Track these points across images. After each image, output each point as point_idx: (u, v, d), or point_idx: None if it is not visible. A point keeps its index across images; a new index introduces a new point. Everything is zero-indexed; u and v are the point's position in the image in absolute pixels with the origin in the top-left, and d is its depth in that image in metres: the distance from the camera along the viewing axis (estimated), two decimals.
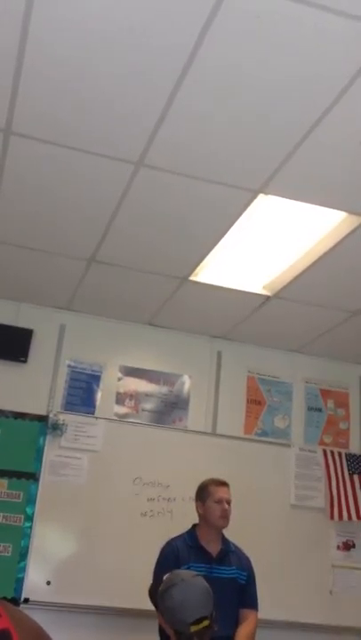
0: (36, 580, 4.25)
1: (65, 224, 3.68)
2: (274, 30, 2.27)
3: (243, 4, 2.17)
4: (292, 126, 2.74)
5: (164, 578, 2.58)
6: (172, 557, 3.42)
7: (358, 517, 4.91)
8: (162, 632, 3.09)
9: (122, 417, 4.80)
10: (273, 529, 4.75)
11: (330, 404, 5.28)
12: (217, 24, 2.26)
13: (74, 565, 4.35)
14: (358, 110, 2.60)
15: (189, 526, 3.66)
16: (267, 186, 3.15)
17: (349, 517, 4.90)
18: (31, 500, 4.39)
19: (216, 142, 2.88)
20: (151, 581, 3.38)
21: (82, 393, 4.77)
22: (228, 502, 3.58)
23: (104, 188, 3.30)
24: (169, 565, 3.16)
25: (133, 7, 2.23)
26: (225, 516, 3.55)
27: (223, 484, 3.63)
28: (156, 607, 2.86)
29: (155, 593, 2.83)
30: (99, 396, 4.81)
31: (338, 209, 3.33)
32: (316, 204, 3.28)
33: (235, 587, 3.46)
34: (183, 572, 2.66)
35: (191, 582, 2.49)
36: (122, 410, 4.82)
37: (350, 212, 3.34)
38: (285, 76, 2.47)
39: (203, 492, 3.63)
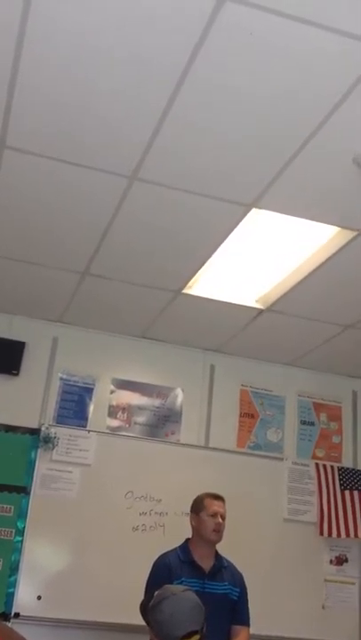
0: (26, 595, 4.21)
1: (59, 237, 3.68)
2: (267, 47, 2.29)
3: (236, 20, 2.19)
4: (285, 141, 2.75)
5: (156, 593, 2.56)
6: (164, 572, 3.40)
7: (348, 535, 4.89)
8: None
9: (114, 430, 4.78)
10: (265, 543, 4.74)
11: (323, 417, 5.28)
12: (210, 39, 2.27)
13: (65, 580, 4.32)
14: (350, 126, 2.62)
15: (182, 541, 3.64)
16: (260, 200, 3.16)
17: (338, 534, 4.88)
18: (22, 514, 4.36)
19: (209, 156, 2.89)
20: (143, 596, 3.36)
21: (74, 406, 4.75)
22: (223, 517, 3.56)
23: (98, 202, 3.30)
24: (161, 580, 3.14)
25: (127, 22, 2.24)
26: (218, 530, 3.53)
27: (219, 498, 3.62)
28: (147, 622, 2.84)
29: (146, 608, 2.81)
30: (91, 408, 4.79)
31: (330, 224, 3.35)
32: (308, 218, 3.30)
33: (227, 603, 3.44)
34: (174, 587, 2.64)
35: (182, 596, 2.48)
36: (114, 423, 4.81)
37: (342, 226, 3.36)
38: (278, 91, 2.49)
39: (198, 505, 3.61)
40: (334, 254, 3.58)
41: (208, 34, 2.25)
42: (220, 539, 3.55)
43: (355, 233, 3.38)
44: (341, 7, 2.12)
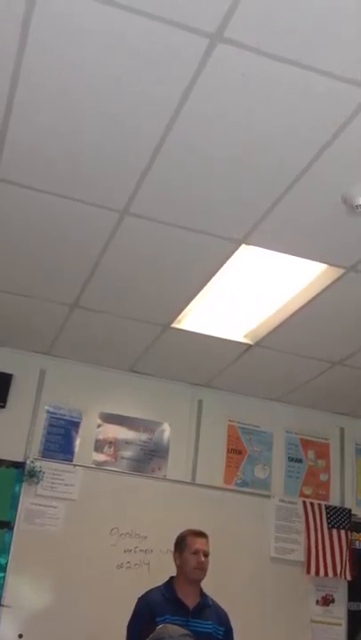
0: (7, 633, 4.11)
1: (49, 269, 3.69)
2: (258, 87, 2.33)
3: (228, 61, 2.24)
4: (275, 179, 2.79)
5: (157, 628, 2.51)
6: (145, 610, 3.33)
7: (335, 574, 4.83)
8: None
9: (100, 465, 4.73)
10: (252, 582, 4.67)
11: (310, 454, 5.25)
12: (203, 79, 2.31)
13: (47, 618, 4.22)
14: (339, 165, 2.67)
15: (167, 579, 3.58)
16: (249, 236, 3.19)
17: (326, 574, 4.82)
18: (5, 549, 4.28)
19: (200, 193, 2.92)
20: (125, 634, 3.30)
21: (60, 439, 4.71)
22: (206, 554, 3.51)
23: (88, 235, 3.32)
24: (142, 619, 3.08)
25: (122, 58, 2.28)
26: (201, 568, 3.48)
27: (201, 535, 3.56)
28: None
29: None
30: (77, 442, 4.74)
31: (319, 261, 3.38)
32: (297, 255, 3.33)
33: None
34: (173, 629, 2.56)
35: None
36: (100, 457, 4.76)
37: (331, 264, 3.39)
38: (269, 130, 2.53)
39: (180, 544, 3.56)
40: (322, 291, 3.60)
41: (201, 73, 2.29)
42: (203, 576, 3.50)
43: (343, 270, 3.41)
44: (330, 50, 2.17)
